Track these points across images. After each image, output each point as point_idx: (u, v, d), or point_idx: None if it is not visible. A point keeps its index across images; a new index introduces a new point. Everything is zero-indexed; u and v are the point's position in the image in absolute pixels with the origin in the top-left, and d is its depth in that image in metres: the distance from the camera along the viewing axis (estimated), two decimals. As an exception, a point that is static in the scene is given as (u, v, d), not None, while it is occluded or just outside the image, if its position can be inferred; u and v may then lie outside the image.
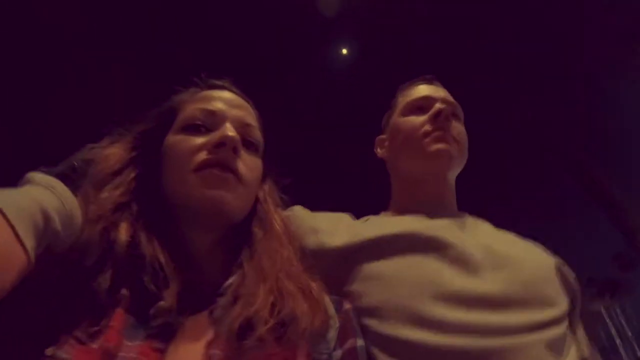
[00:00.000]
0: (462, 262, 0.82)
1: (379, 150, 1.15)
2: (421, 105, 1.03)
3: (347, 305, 0.80)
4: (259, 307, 0.63)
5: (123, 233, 0.64)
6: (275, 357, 0.61)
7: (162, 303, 0.60)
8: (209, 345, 0.60)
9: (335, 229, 0.92)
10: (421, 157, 0.99)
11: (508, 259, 0.85)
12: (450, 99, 1.07)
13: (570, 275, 0.95)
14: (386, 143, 1.12)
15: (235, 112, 0.76)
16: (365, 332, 0.77)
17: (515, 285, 0.80)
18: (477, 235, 0.93)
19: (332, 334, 0.73)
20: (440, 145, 0.96)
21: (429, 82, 1.11)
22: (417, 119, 1.01)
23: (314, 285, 0.75)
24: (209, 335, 0.62)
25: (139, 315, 0.60)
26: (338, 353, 0.71)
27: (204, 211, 0.68)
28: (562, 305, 0.85)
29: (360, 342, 0.75)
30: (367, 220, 1.00)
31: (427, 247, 0.83)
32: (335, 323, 0.75)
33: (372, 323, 0.77)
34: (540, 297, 0.81)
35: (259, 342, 0.60)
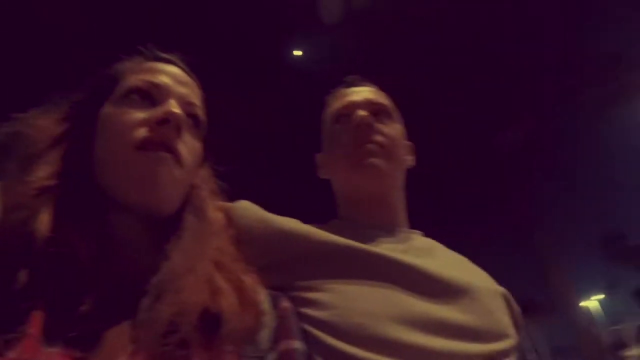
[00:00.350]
0: (423, 286, 0.79)
1: (319, 169, 1.06)
2: (344, 114, 0.96)
3: (285, 303, 0.75)
4: (184, 305, 0.58)
5: (43, 223, 0.57)
6: None
7: (84, 306, 0.55)
8: (133, 352, 0.55)
9: (284, 219, 0.88)
10: (354, 175, 0.92)
11: (467, 285, 0.83)
12: (375, 98, 0.99)
13: (516, 306, 0.93)
14: (325, 161, 1.03)
15: (181, 89, 0.71)
16: (315, 342, 0.73)
17: (475, 313, 0.79)
18: (435, 257, 0.90)
19: (266, 334, 0.68)
20: (365, 161, 0.89)
21: (351, 84, 1.03)
22: (344, 135, 0.93)
23: (247, 278, 0.69)
24: (134, 339, 0.57)
25: (59, 319, 0.54)
26: (272, 355, 0.67)
27: (138, 194, 0.63)
28: (513, 336, 0.84)
29: (298, 345, 0.70)
30: (320, 226, 0.93)
31: (388, 269, 0.80)
32: (270, 321, 0.70)
33: (325, 336, 0.72)
34: (496, 328, 0.80)
35: (183, 345, 0.55)
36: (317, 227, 0.87)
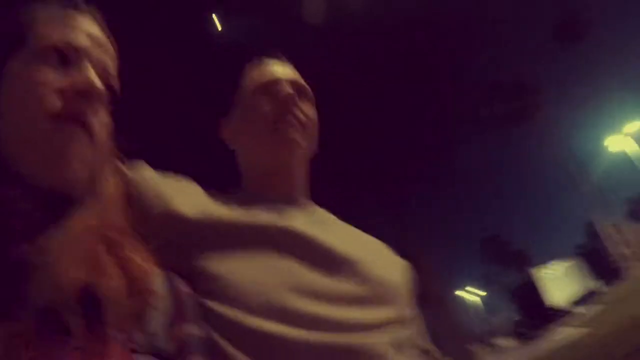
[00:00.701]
0: (321, 258, 0.81)
1: (225, 134, 1.03)
2: (269, 88, 0.95)
3: (182, 285, 0.70)
4: (57, 282, 0.50)
5: None
6: (82, 351, 0.50)
7: None
8: (10, 332, 0.48)
9: (184, 196, 0.83)
10: (270, 145, 0.93)
11: (360, 258, 0.85)
12: (299, 80, 0.99)
13: (415, 277, 0.97)
14: (234, 127, 1.01)
15: (99, 55, 0.64)
16: (214, 319, 0.70)
17: (368, 284, 0.81)
18: (331, 230, 0.91)
19: (159, 319, 0.62)
20: (288, 135, 0.90)
21: (277, 60, 1.01)
22: (266, 105, 0.93)
23: (139, 258, 0.62)
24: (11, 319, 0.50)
25: None
26: (166, 342, 0.61)
27: (45, 169, 0.57)
28: (407, 305, 0.88)
29: (195, 330, 0.66)
30: (218, 196, 0.90)
31: (291, 242, 0.80)
32: (165, 305, 0.64)
33: (224, 310, 0.70)
34: (388, 298, 0.83)
35: (61, 332, 0.49)
36: (218, 197, 0.85)
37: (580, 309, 30.10)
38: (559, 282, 34.43)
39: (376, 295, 0.81)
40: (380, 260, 0.90)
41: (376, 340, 0.74)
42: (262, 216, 0.83)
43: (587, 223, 46.45)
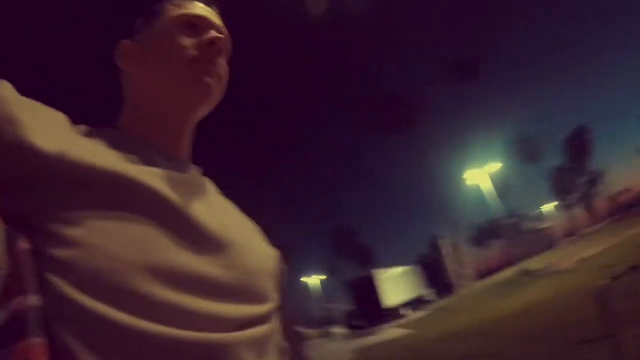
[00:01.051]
0: (188, 232, 0.71)
1: (122, 59, 0.91)
2: (195, 25, 0.89)
3: (23, 243, 0.59)
4: None
5: None
6: None
7: None
8: None
9: (44, 126, 0.70)
10: (180, 84, 0.84)
11: (233, 240, 0.76)
12: (225, 31, 0.95)
13: (283, 268, 0.92)
14: (136, 53, 0.90)
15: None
16: (53, 294, 0.59)
17: (237, 271, 0.73)
18: (208, 202, 0.82)
19: None
20: (205, 78, 0.84)
21: (208, 2, 0.96)
22: (187, 40, 0.86)
23: None
24: None
25: None
26: (1, 314, 0.53)
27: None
28: (274, 300, 0.81)
29: (35, 301, 0.56)
30: (88, 133, 0.78)
31: (157, 207, 0.69)
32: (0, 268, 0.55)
33: (63, 285, 0.59)
34: (256, 290, 0.76)
35: None
36: (89, 134, 0.75)
37: (409, 312, 33.41)
38: (395, 283, 37.78)
39: (246, 286, 0.73)
40: (255, 246, 0.84)
41: (240, 341, 0.67)
42: (134, 169, 0.71)
43: (432, 237, 52.26)
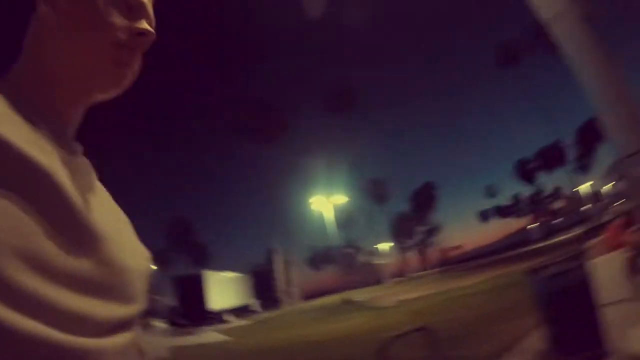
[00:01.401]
0: (68, 222, 0.64)
1: (43, 6, 0.78)
2: (130, 6, 0.81)
3: None
4: None
5: None
6: None
7: None
8: None
9: None
10: (99, 63, 0.77)
11: (109, 235, 0.71)
12: (153, 20, 0.88)
13: (152, 270, 0.86)
14: (58, 8, 0.78)
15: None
16: None
17: (111, 269, 0.68)
18: (89, 190, 0.75)
19: None
20: (124, 66, 0.79)
21: None
22: (119, 19, 0.79)
23: None
24: None
25: None
26: None
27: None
28: (141, 302, 0.76)
29: None
30: None
31: (40, 188, 0.62)
32: None
33: None
34: (128, 290, 0.72)
35: None
36: None
37: (232, 318, 33.26)
38: (223, 287, 37.30)
39: (116, 284, 0.68)
40: (128, 243, 0.78)
41: (108, 345, 0.63)
42: (21, 140, 0.62)
43: (267, 250, 52.80)
